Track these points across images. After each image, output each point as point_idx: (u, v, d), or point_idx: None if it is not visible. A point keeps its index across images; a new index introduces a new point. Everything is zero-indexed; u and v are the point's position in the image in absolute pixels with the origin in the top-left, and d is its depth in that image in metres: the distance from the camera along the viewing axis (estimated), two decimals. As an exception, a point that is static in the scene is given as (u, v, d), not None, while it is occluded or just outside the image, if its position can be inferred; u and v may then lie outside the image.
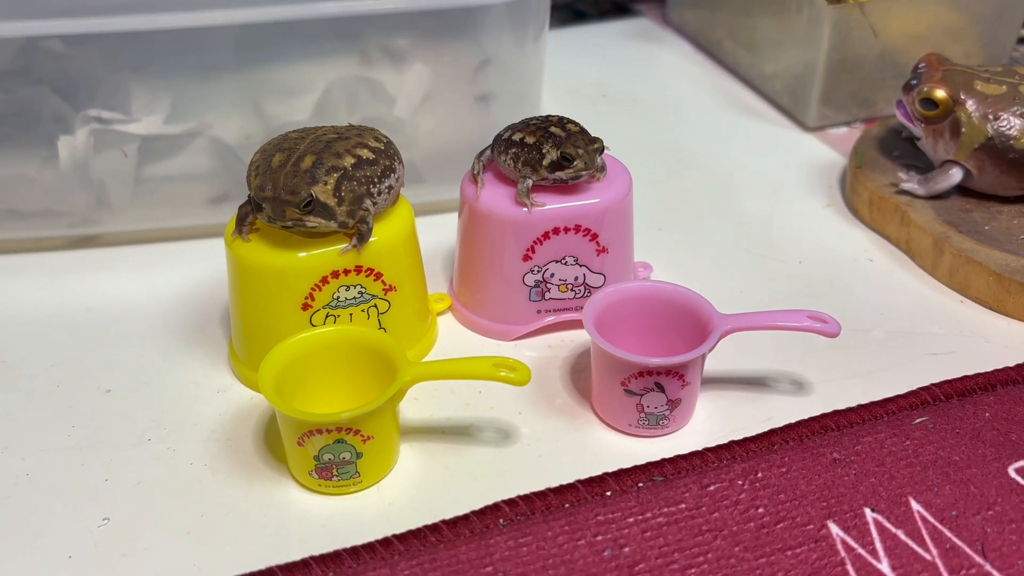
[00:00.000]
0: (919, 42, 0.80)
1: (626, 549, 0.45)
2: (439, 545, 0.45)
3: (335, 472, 0.48)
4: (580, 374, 0.57)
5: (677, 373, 0.50)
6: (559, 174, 0.55)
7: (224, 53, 0.62)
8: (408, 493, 0.49)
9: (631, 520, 0.46)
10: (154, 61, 0.62)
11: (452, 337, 0.60)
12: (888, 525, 0.47)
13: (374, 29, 0.63)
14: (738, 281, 0.65)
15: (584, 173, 0.55)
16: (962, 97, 0.65)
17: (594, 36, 1.01)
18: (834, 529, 0.46)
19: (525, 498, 0.47)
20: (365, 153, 0.52)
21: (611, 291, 0.55)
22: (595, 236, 0.57)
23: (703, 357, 0.51)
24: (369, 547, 0.45)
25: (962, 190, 0.68)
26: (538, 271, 0.57)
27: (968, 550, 0.45)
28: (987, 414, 0.53)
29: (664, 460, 0.50)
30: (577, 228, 0.56)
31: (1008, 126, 0.64)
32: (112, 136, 0.63)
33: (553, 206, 0.56)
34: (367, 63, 0.64)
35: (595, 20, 1.05)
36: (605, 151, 0.57)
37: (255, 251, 0.52)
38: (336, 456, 0.48)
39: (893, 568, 0.45)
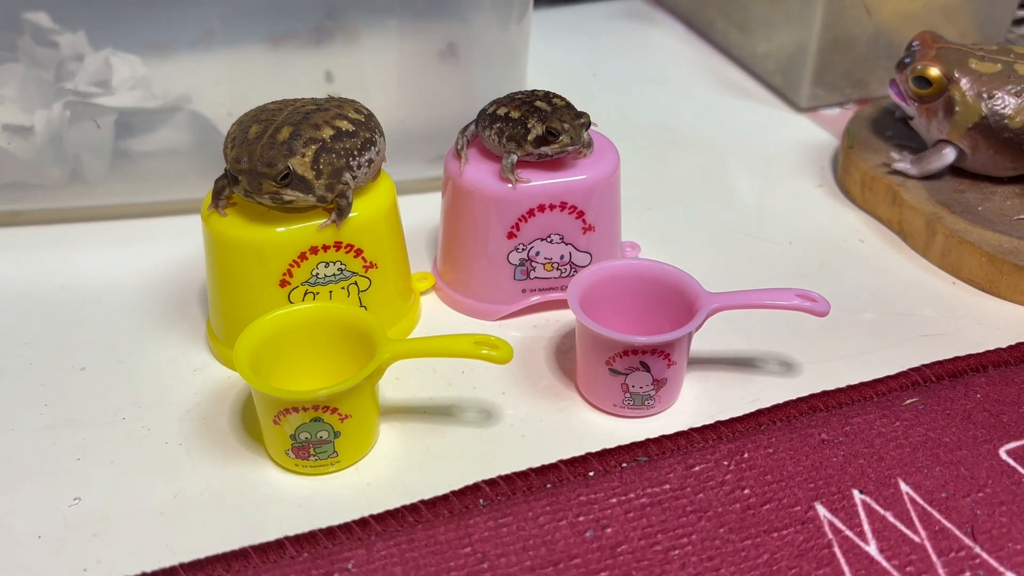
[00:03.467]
0: (913, 22, 0.79)
1: (608, 530, 0.44)
2: (417, 525, 0.44)
3: (312, 451, 0.47)
4: (565, 354, 0.56)
5: (663, 352, 0.49)
6: (544, 149, 0.54)
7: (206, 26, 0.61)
8: (387, 473, 0.48)
9: (614, 501, 0.45)
10: (133, 34, 0.61)
11: (435, 317, 0.59)
12: (876, 507, 0.46)
13: (357, 7, 0.62)
14: (727, 262, 0.64)
15: (570, 148, 0.53)
16: (956, 75, 0.64)
17: (586, 16, 1.00)
18: (821, 511, 0.45)
19: (506, 478, 0.46)
20: (344, 125, 0.51)
21: (596, 269, 0.54)
22: (581, 214, 0.55)
23: (689, 336, 0.50)
24: (345, 527, 0.44)
25: (955, 170, 0.67)
26: (523, 249, 0.56)
27: (957, 532, 0.45)
28: (978, 395, 0.52)
29: (648, 440, 0.49)
30: (563, 205, 0.55)
31: (1002, 105, 0.63)
32: (88, 109, 0.61)
33: (538, 182, 0.55)
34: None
35: (587, 0, 1.03)
36: (592, 127, 0.55)
37: (232, 226, 0.51)
38: (313, 435, 0.47)
39: (881, 550, 0.44)
